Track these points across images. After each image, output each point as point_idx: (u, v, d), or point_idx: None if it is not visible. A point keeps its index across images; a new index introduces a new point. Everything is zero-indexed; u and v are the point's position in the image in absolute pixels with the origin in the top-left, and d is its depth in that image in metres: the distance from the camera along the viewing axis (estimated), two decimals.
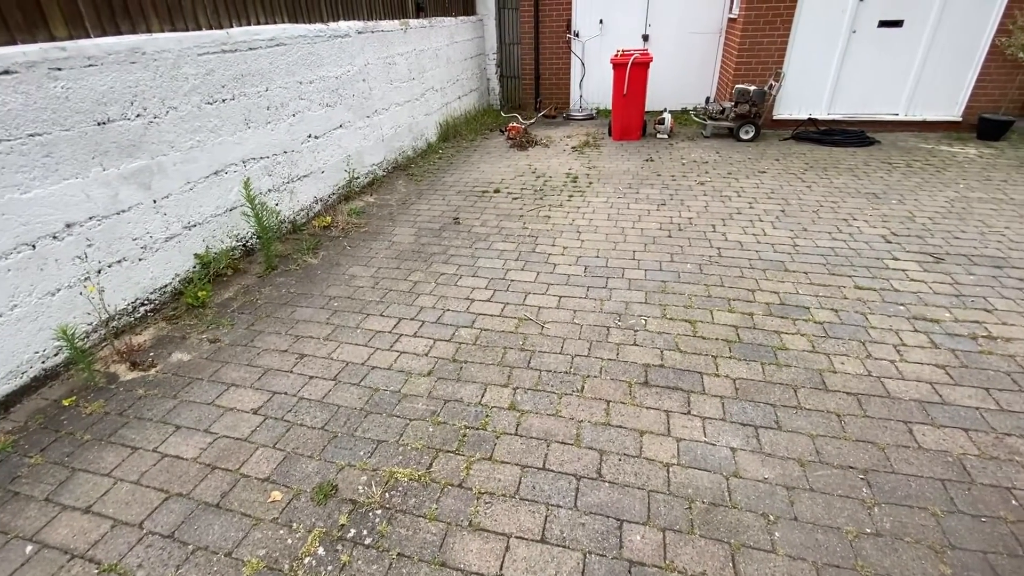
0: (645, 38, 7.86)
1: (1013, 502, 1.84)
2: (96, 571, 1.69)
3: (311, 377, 2.56)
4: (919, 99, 6.53)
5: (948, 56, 6.24)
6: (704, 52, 7.81)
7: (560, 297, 3.18)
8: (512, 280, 3.40)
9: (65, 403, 2.42)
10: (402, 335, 2.86)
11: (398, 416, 2.30)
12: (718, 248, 3.74)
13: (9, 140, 2.32)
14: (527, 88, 8.57)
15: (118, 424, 2.30)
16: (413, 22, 5.91)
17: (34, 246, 2.45)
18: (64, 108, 2.52)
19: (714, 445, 2.10)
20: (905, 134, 6.61)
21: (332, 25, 4.46)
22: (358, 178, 5.05)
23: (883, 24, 6.27)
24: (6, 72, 2.27)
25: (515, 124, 7.16)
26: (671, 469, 2.00)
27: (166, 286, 3.16)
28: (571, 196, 4.86)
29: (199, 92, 3.23)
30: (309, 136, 4.28)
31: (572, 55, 8.16)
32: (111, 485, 2.00)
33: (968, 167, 5.32)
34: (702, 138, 6.74)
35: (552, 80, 8.43)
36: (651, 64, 6.36)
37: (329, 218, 4.30)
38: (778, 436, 2.14)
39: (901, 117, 6.67)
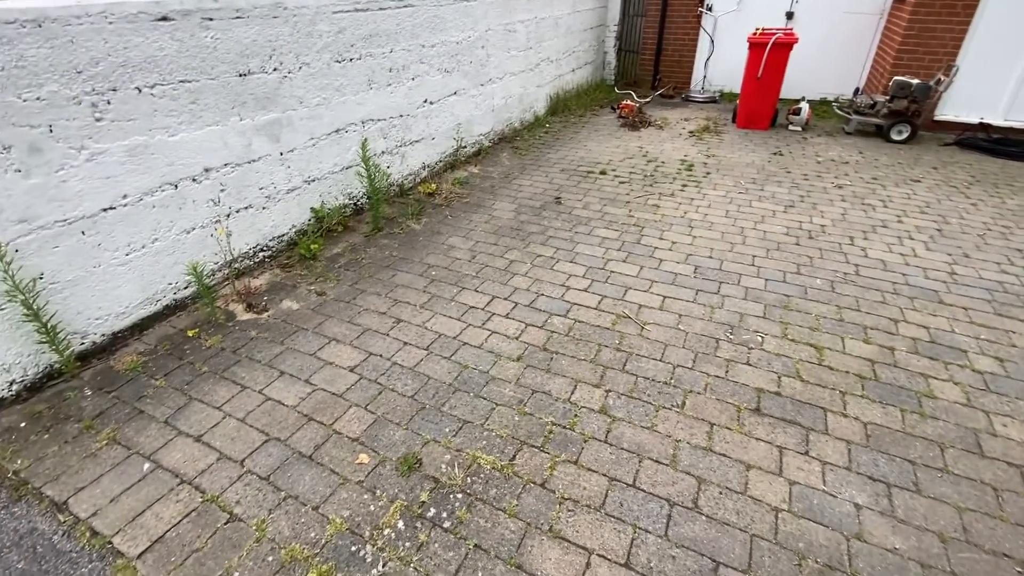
0: (789, 15, 7.01)
1: None
2: (200, 500, 1.82)
3: (405, 344, 2.58)
4: None
5: None
6: (859, 36, 6.83)
7: (664, 297, 2.95)
8: (612, 272, 3.21)
9: (189, 334, 2.64)
10: (495, 314, 2.80)
11: (485, 399, 2.25)
12: (855, 265, 3.27)
13: (163, 85, 2.49)
14: (646, 64, 8.05)
15: (231, 361, 2.47)
16: None
17: (176, 186, 2.65)
18: (212, 58, 2.66)
19: (835, 497, 1.83)
20: None
21: None
22: (465, 147, 5.03)
23: None
24: (164, 19, 2.42)
25: (629, 102, 6.76)
26: (780, 515, 1.77)
27: (283, 235, 3.33)
28: (684, 186, 4.50)
29: (330, 50, 3.29)
30: (425, 101, 4.28)
31: (701, 31, 7.50)
32: (220, 419, 2.15)
33: None
34: (843, 134, 5.96)
35: (675, 57, 7.84)
36: (794, 46, 5.66)
37: (434, 185, 4.32)
38: (916, 501, 1.82)
39: None
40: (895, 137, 5.65)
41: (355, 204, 3.87)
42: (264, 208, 3.16)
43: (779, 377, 2.36)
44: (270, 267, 3.23)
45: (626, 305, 2.88)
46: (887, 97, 5.64)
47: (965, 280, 3.12)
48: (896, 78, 5.58)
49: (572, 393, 2.27)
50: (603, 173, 4.80)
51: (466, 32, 4.56)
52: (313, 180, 3.44)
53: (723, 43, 7.39)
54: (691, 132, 6.02)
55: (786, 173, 4.77)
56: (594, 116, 6.77)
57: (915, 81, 5.42)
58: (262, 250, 3.22)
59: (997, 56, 5.52)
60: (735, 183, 4.54)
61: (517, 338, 2.61)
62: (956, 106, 5.83)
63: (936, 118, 5.87)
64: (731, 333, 2.65)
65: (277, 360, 2.47)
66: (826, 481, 1.89)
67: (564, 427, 2.11)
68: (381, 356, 2.50)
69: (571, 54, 7.04)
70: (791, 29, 6.15)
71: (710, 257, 3.36)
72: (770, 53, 5.59)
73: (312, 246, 3.28)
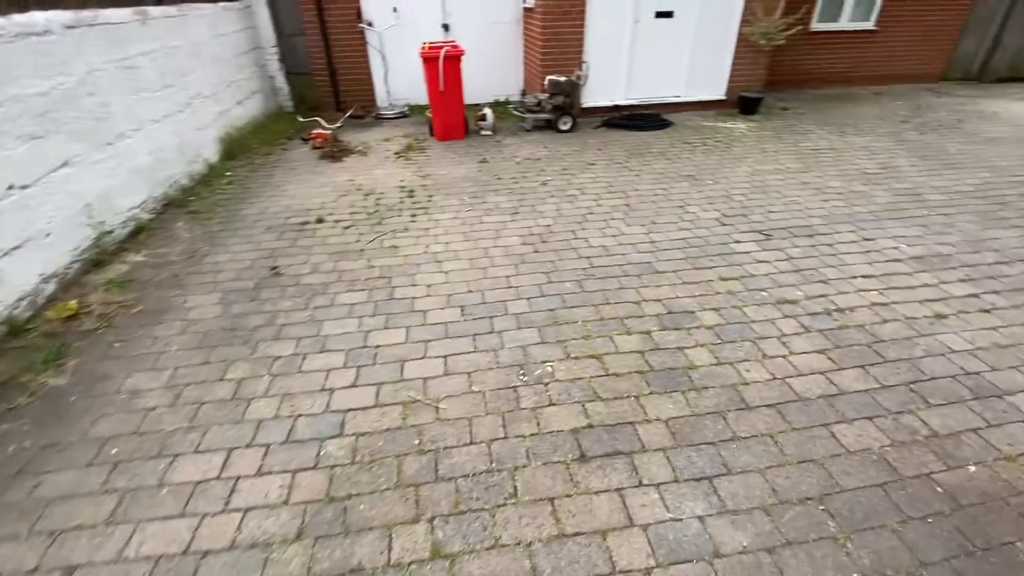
0: (446, 28, 7.39)
1: (939, 490, 1.92)
2: None
3: None
4: (694, 81, 7.35)
5: (711, 43, 7.11)
6: (507, 42, 7.68)
7: (445, 357, 2.59)
8: (378, 346, 2.68)
9: None
10: (240, 478, 1.97)
11: None
12: (587, 258, 3.53)
13: None
14: (323, 86, 7.43)
15: None
16: (154, 11, 4.46)
17: None
18: None
19: (681, 520, 1.80)
20: (688, 113, 7.41)
21: (17, 18, 2.98)
22: (111, 231, 3.62)
23: (659, 15, 6.83)
24: None
25: (319, 130, 6.10)
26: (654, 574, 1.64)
27: None
28: (414, 216, 4.21)
29: None
30: (10, 187, 2.82)
31: (369, 47, 7.28)
32: None
33: (745, 141, 6.12)
34: (524, 132, 6.62)
35: (351, 76, 7.44)
36: (463, 56, 5.92)
37: (75, 302, 2.94)
38: (733, 484, 1.94)
39: (683, 99, 7.44)
40: (562, 128, 6.55)
41: None
42: None
43: (583, 407, 2.28)
44: None
45: (409, 386, 2.41)
46: (547, 95, 6.46)
47: (662, 245, 3.71)
48: (549, 77, 6.43)
49: (389, 550, 1.72)
50: (320, 221, 4.12)
51: (53, 78, 3.19)
52: None
53: (396, 58, 7.34)
54: (397, 153, 5.77)
55: (497, 180, 4.96)
56: (284, 152, 5.89)
57: (563, 78, 6.35)
58: None
59: (610, 52, 6.90)
60: (460, 201, 4.48)
61: (285, 502, 1.88)
62: (594, 94, 7.10)
63: (584, 106, 7.04)
64: (524, 374, 2.47)
65: None
66: (668, 506, 1.85)
67: None
68: None
69: (231, 85, 5.91)
70: (455, 41, 6.45)
71: (470, 291, 3.15)
72: (445, 66, 5.71)
73: None
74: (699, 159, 5.51)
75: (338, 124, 6.68)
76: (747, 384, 2.41)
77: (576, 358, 2.58)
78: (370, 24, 7.11)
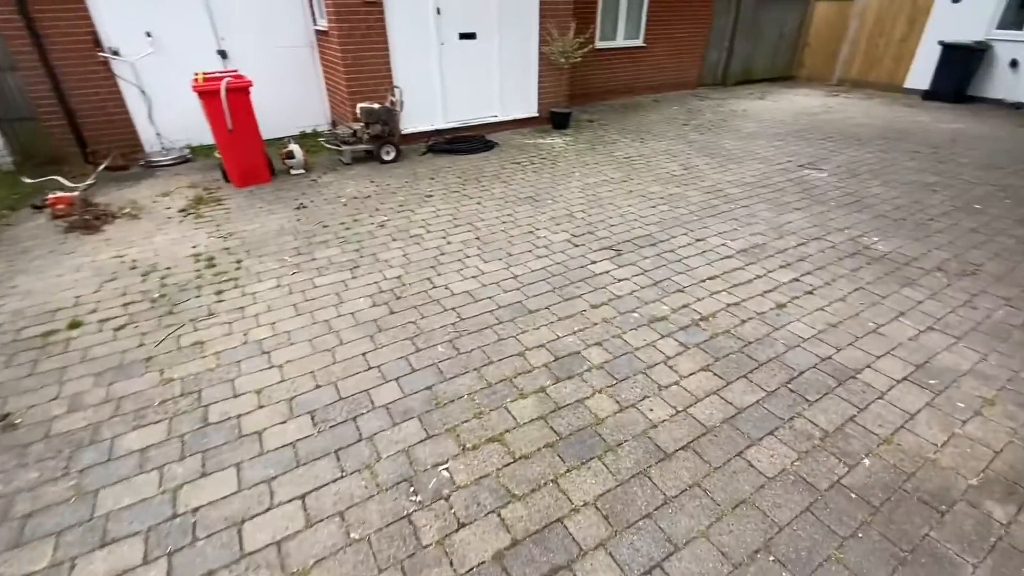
0: (223, 54, 6.26)
1: (852, 496, 1.94)
2: None
3: None
4: (508, 101, 7.45)
5: (517, 63, 7.27)
6: (302, 68, 6.85)
7: (302, 499, 1.91)
8: (195, 509, 1.87)
9: None
10: None
11: None
12: (453, 309, 3.11)
13: None
14: (59, 133, 5.69)
15: None
16: None
17: None
18: None
19: None
20: (507, 132, 7.49)
21: None
22: None
23: (463, 36, 6.74)
24: None
25: (61, 193, 4.58)
26: None
27: None
28: (220, 293, 3.29)
29: None
30: None
31: (119, 80, 5.79)
32: None
33: (567, 155, 6.35)
34: (344, 166, 5.91)
35: (100, 117, 5.84)
36: (250, 87, 5.00)
37: None
38: (683, 562, 1.70)
39: (500, 118, 7.50)
40: (386, 158, 6.02)
41: None
42: None
43: (500, 517, 1.85)
44: None
45: (257, 564, 1.70)
46: (363, 124, 5.87)
47: (526, 279, 3.47)
48: (360, 105, 5.84)
49: None
50: (76, 326, 2.97)
51: None
52: None
53: (161, 91, 5.97)
54: (183, 210, 4.61)
55: (324, 228, 4.24)
56: (8, 229, 4.28)
57: (377, 106, 5.82)
58: None
59: (421, 75, 6.57)
60: (280, 263, 3.67)
61: None
62: (413, 119, 6.71)
63: (405, 132, 6.60)
64: (415, 492, 1.94)
65: None
66: None
67: None
68: None
69: None
70: (237, 70, 5.45)
71: (318, 387, 2.48)
72: (230, 100, 4.74)
73: None
74: (532, 178, 5.49)
75: (89, 181, 5.14)
76: (656, 427, 2.24)
77: (474, 448, 2.13)
78: (115, 53, 5.66)
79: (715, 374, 2.57)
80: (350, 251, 3.84)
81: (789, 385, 2.50)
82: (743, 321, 3.00)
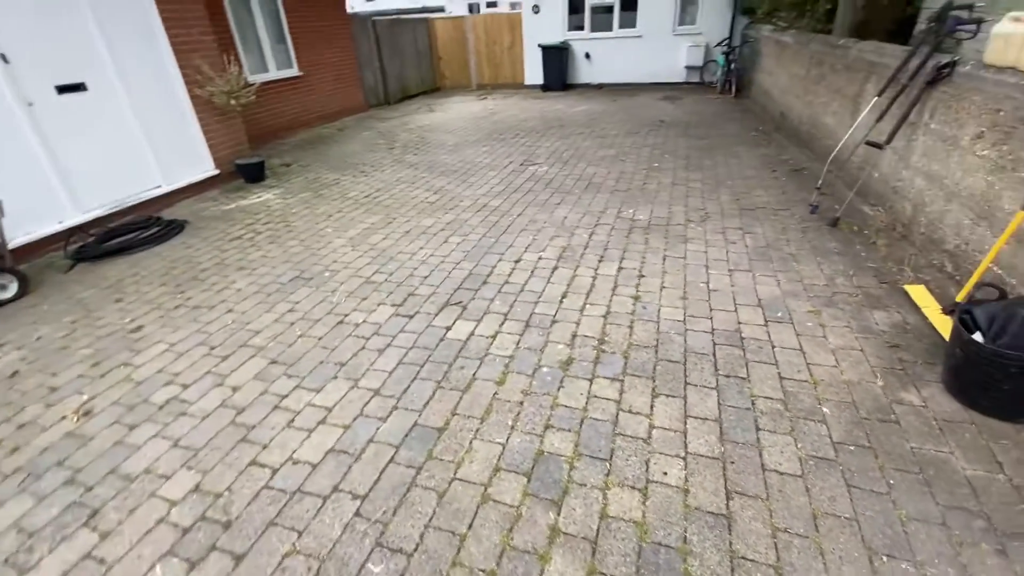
0: None
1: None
2: None
3: None
4: (169, 164, 5.59)
5: (163, 112, 5.48)
6: None
7: None
8: None
9: None
10: None
11: None
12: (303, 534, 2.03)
13: None
14: None
15: None
16: None
17: None
18: None
19: None
20: (187, 203, 5.66)
21: None
22: None
23: (63, 89, 4.62)
24: None
25: None
26: None
27: None
28: None
29: None
30: None
31: None
32: None
33: (295, 210, 5.20)
34: None
35: None
36: None
37: None
38: None
39: (167, 188, 5.59)
40: (6, 296, 3.67)
41: None
42: None
43: None
44: None
45: None
46: None
47: (394, 388, 2.58)
48: None
49: None
50: None
51: None
52: None
53: None
54: None
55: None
56: None
57: None
58: None
59: (7, 155, 4.20)
60: None
61: None
62: (24, 223, 4.28)
63: (17, 245, 4.16)
64: None
65: None
66: None
67: None
68: None
69: None
70: None
71: None
72: None
73: None
74: (277, 253, 4.25)
75: None
76: (688, 492, 1.93)
77: None
78: None
79: (666, 395, 2.42)
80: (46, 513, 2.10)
81: (720, 373, 2.55)
82: (629, 327, 2.95)
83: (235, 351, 2.97)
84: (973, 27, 3.26)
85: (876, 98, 4.00)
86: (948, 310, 2.76)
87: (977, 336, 2.16)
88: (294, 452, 2.23)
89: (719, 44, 10.66)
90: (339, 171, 6.55)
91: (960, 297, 2.73)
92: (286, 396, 2.58)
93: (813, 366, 2.54)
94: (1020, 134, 2.60)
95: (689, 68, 11.49)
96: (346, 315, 3.27)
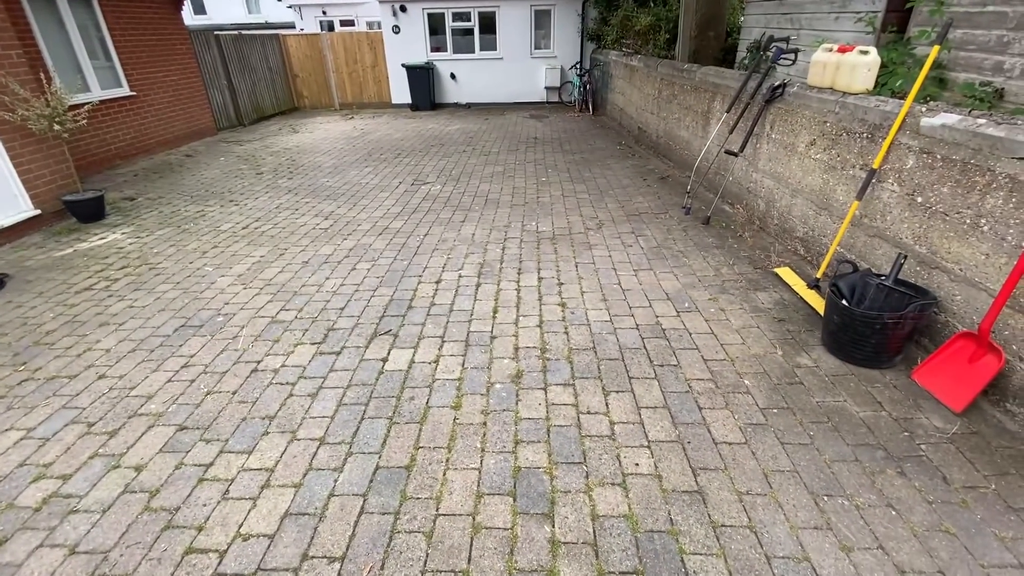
0: None
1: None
2: None
3: None
4: None
5: None
6: None
7: None
8: None
9: None
10: None
11: None
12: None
13: None
14: None
15: None
16: None
17: None
18: None
19: None
20: (2, 252, 4.57)
21: None
22: None
23: None
24: None
25: None
26: None
27: None
28: None
29: None
30: None
31: None
32: None
33: (156, 251, 4.49)
34: None
35: None
36: None
37: None
38: None
39: None
40: None
41: None
42: None
43: None
44: None
45: None
46: None
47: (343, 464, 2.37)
48: None
49: None
50: None
51: None
52: None
53: None
54: None
55: None
56: None
57: None
58: None
59: None
60: None
61: None
62: None
63: None
64: None
65: None
66: None
67: None
68: None
69: None
70: None
71: None
72: None
73: None
74: (150, 303, 3.63)
75: None
76: (657, 477, 2.08)
77: None
78: None
79: (616, 391, 2.57)
80: None
81: (656, 364, 2.78)
82: (565, 333, 3.07)
83: (124, 423, 2.47)
84: (792, 55, 4.04)
85: (726, 114, 4.72)
86: (812, 285, 3.35)
87: (844, 304, 2.66)
88: (240, 527, 1.92)
89: (572, 67, 11.64)
90: (201, 202, 5.80)
91: (819, 274, 3.34)
92: (210, 465, 2.21)
93: (726, 345, 2.90)
94: (844, 140, 3.28)
95: (548, 88, 12.34)
96: (259, 362, 2.91)
